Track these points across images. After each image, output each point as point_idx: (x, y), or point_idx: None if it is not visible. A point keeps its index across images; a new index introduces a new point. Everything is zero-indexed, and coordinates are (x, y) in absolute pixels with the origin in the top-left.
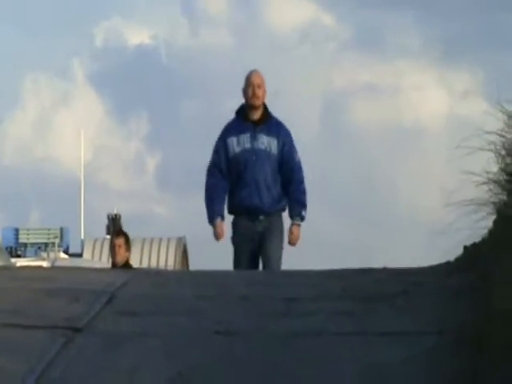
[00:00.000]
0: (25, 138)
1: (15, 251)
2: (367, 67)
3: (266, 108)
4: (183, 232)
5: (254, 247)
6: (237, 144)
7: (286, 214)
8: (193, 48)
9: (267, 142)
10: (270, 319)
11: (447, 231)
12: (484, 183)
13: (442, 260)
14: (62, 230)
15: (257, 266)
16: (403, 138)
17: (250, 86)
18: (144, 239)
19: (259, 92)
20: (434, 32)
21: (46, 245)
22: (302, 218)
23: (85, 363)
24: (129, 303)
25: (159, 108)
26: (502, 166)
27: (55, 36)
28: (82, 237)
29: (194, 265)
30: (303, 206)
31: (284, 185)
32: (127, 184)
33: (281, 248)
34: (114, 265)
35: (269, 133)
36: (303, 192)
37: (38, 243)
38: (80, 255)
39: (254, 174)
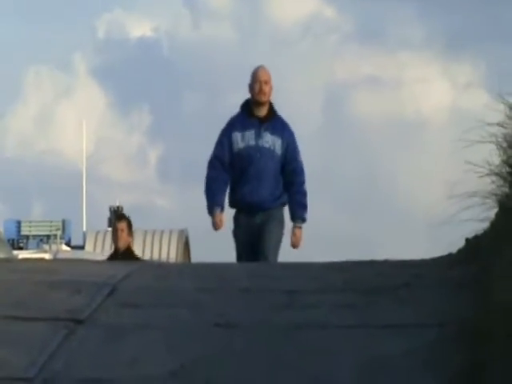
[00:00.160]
0: (27, 130)
1: (17, 243)
2: (369, 60)
3: (271, 105)
4: (185, 224)
5: (254, 241)
6: (241, 140)
7: (285, 209)
8: (195, 41)
9: (271, 141)
10: (272, 312)
11: (449, 223)
12: (486, 175)
13: (444, 252)
14: (64, 222)
15: (259, 260)
16: (405, 130)
17: (257, 82)
18: (146, 231)
19: (266, 88)
20: (436, 24)
21: (48, 237)
22: (304, 220)
23: (87, 355)
24: (131, 295)
25: (161, 100)
26: (504, 158)
27: (57, 29)
28: (84, 229)
29: (196, 257)
30: (304, 208)
31: (285, 185)
32: (129, 176)
33: (279, 237)
34: (116, 249)
35: (273, 132)
36: (304, 194)
37: (40, 235)
38: (82, 247)
39: (257, 171)
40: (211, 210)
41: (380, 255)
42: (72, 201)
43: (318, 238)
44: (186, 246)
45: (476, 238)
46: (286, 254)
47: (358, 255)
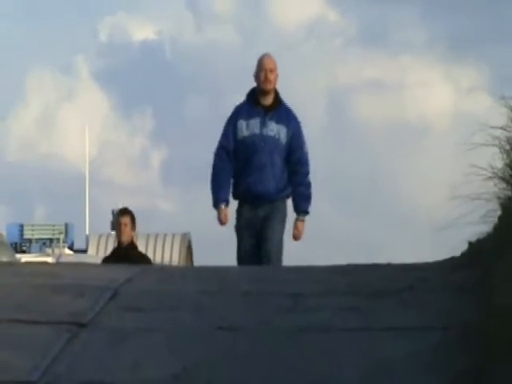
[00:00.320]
0: (29, 134)
1: (20, 247)
2: (372, 63)
3: (277, 93)
4: (187, 228)
5: (256, 234)
6: (246, 128)
7: (289, 201)
8: (198, 44)
9: (276, 130)
10: (275, 315)
11: (452, 227)
12: (489, 178)
13: (447, 256)
14: (66, 225)
15: (261, 261)
16: (408, 133)
17: (263, 70)
18: (148, 235)
19: (271, 76)
20: (439, 27)
21: (51, 241)
22: (307, 213)
23: (90, 358)
24: (133, 299)
25: (164, 104)
26: (507, 161)
27: (59, 32)
28: (87, 233)
29: (198, 261)
30: (308, 200)
31: (289, 176)
32: (132, 180)
33: (282, 231)
34: (119, 244)
35: (279, 120)
36: (308, 185)
37: (42, 239)
38: (85, 251)
39: (261, 161)
40: (216, 205)
41: (383, 258)
42: (75, 204)
43: (321, 240)
44: (189, 250)
45: (479, 241)
46: (288, 255)
47: (361, 258)
